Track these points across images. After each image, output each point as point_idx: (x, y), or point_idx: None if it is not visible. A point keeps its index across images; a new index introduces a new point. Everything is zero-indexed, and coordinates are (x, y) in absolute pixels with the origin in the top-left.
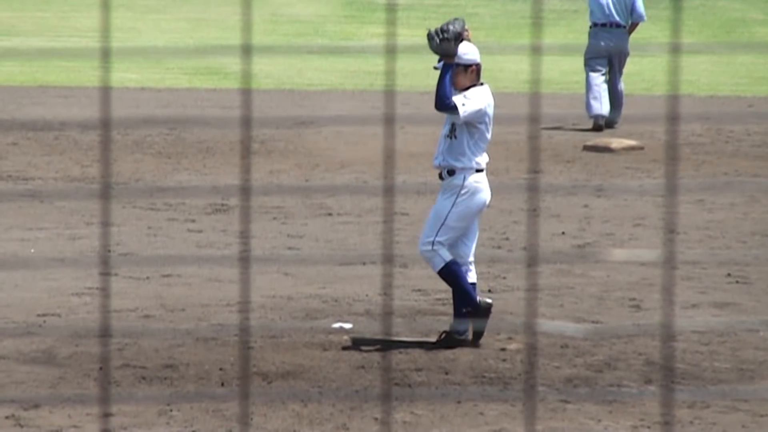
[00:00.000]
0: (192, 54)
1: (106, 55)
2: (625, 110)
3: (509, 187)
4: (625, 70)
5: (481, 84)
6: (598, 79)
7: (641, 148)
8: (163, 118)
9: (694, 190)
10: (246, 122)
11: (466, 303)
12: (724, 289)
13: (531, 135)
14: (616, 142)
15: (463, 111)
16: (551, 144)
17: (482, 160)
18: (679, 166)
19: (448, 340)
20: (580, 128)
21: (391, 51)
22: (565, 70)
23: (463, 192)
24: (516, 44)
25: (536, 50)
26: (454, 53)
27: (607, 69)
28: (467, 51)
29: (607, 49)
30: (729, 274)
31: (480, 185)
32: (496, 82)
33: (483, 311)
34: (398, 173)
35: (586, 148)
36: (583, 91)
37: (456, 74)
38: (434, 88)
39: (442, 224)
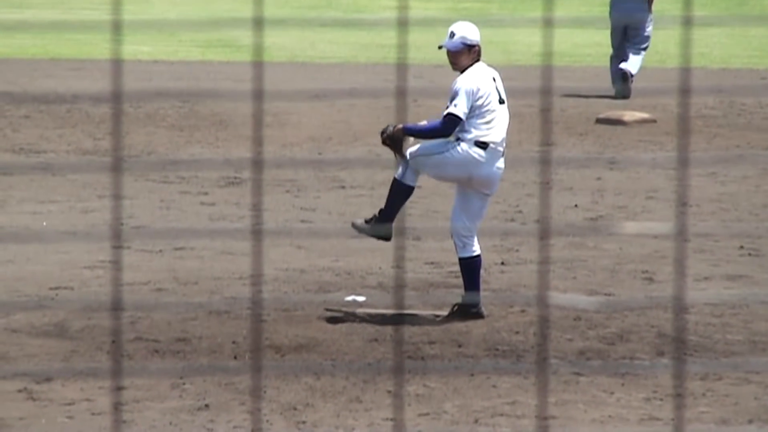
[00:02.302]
0: (205, 27)
1: (117, 27)
2: (638, 83)
3: (522, 160)
4: (647, 45)
5: (477, 62)
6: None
7: (654, 121)
8: (176, 91)
9: (706, 162)
10: (258, 95)
11: (385, 213)
12: (736, 262)
13: (543, 108)
14: (629, 115)
15: (460, 112)
16: (564, 117)
17: (485, 134)
18: (691, 138)
19: (461, 313)
20: (594, 98)
21: (403, 24)
22: (578, 43)
23: (452, 150)
24: (529, 17)
25: (548, 23)
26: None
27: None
28: (471, 32)
29: (626, 19)
30: (741, 247)
31: (473, 158)
32: (509, 54)
33: (383, 230)
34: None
35: (599, 120)
36: (597, 63)
37: (459, 53)
38: (447, 63)
39: (423, 153)
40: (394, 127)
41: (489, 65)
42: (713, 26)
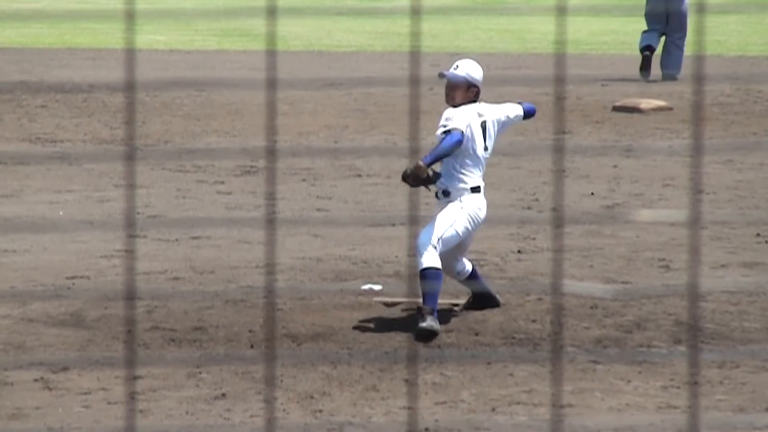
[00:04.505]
0: (221, 16)
1: (131, 17)
2: (654, 70)
3: (539, 148)
4: (686, 25)
5: (473, 102)
6: (652, 31)
7: (670, 109)
8: (192, 80)
9: (723, 150)
10: (271, 84)
11: (427, 304)
12: (753, 249)
13: (558, 96)
14: (645, 103)
15: (459, 125)
16: (580, 105)
17: (476, 179)
18: (708, 126)
19: (477, 303)
20: (614, 83)
21: (416, 12)
22: (594, 31)
23: (461, 210)
24: (545, 5)
25: (562, 11)
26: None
27: (664, 27)
28: (476, 72)
29: (665, 8)
30: (758, 234)
31: (477, 204)
32: (525, 43)
33: (427, 330)
34: (428, 134)
35: (616, 108)
36: (613, 51)
37: (458, 87)
38: (463, 50)
39: (451, 225)
40: (413, 167)
41: (485, 102)
42: (730, 14)
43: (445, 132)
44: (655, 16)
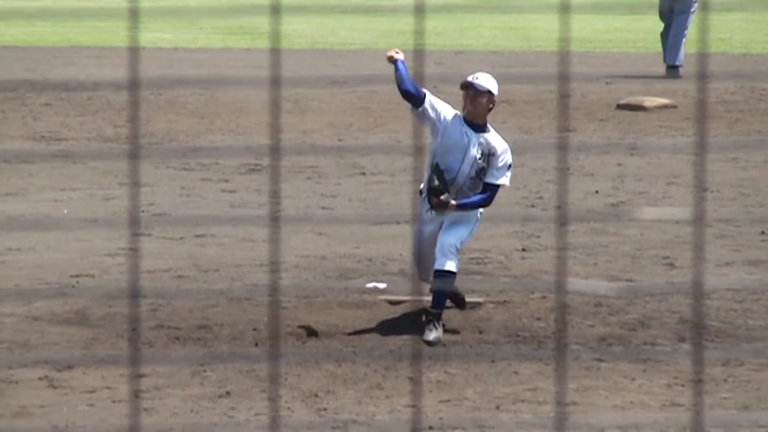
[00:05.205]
0: (225, 14)
1: (134, 15)
2: (658, 68)
3: (543, 146)
4: (690, 21)
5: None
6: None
7: (674, 107)
8: (197, 78)
9: (727, 147)
10: (276, 82)
11: (437, 306)
12: (758, 247)
13: (561, 94)
14: (650, 101)
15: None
16: (584, 103)
17: None
18: (712, 124)
19: (461, 302)
20: (614, 85)
21: (420, 10)
22: (598, 29)
23: (478, 215)
24: (548, 3)
25: (565, 9)
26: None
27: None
28: (494, 84)
29: (670, 4)
30: (763, 232)
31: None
32: (529, 41)
33: (434, 343)
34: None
35: (620, 106)
36: (617, 49)
37: (482, 95)
38: (468, 48)
39: (470, 233)
40: (447, 202)
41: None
42: (734, 11)
43: (499, 186)
44: (664, 13)
